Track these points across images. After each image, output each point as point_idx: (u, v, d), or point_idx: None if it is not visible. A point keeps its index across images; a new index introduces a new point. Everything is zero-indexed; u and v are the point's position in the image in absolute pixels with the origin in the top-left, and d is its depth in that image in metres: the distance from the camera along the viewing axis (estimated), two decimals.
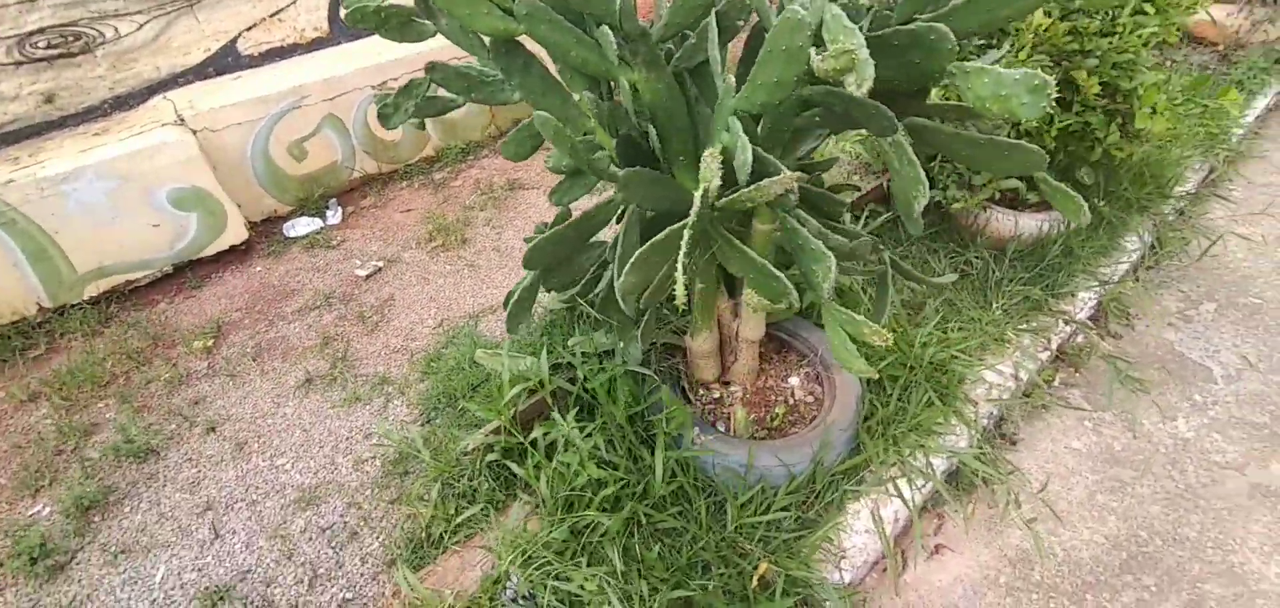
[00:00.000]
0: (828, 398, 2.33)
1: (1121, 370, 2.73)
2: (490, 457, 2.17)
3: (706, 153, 1.22)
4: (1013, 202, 3.47)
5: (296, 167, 3.84)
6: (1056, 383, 2.78)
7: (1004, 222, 3.22)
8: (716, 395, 2.44)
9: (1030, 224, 3.18)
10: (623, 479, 2.05)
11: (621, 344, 2.20)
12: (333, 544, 2.08)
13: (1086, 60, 2.77)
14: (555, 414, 2.13)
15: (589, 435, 2.13)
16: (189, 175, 3.26)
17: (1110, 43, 2.77)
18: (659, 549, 1.94)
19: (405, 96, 1.83)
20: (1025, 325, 2.87)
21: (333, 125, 3.90)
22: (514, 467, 2.13)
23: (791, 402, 2.43)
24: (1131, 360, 2.80)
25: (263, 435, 2.48)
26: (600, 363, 2.25)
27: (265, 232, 3.77)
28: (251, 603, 1.95)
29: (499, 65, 1.75)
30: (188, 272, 3.43)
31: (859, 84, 0.94)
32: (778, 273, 1.31)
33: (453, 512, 2.07)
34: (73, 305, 3.18)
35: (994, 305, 2.94)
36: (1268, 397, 2.59)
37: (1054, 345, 2.82)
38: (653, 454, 2.13)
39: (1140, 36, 2.74)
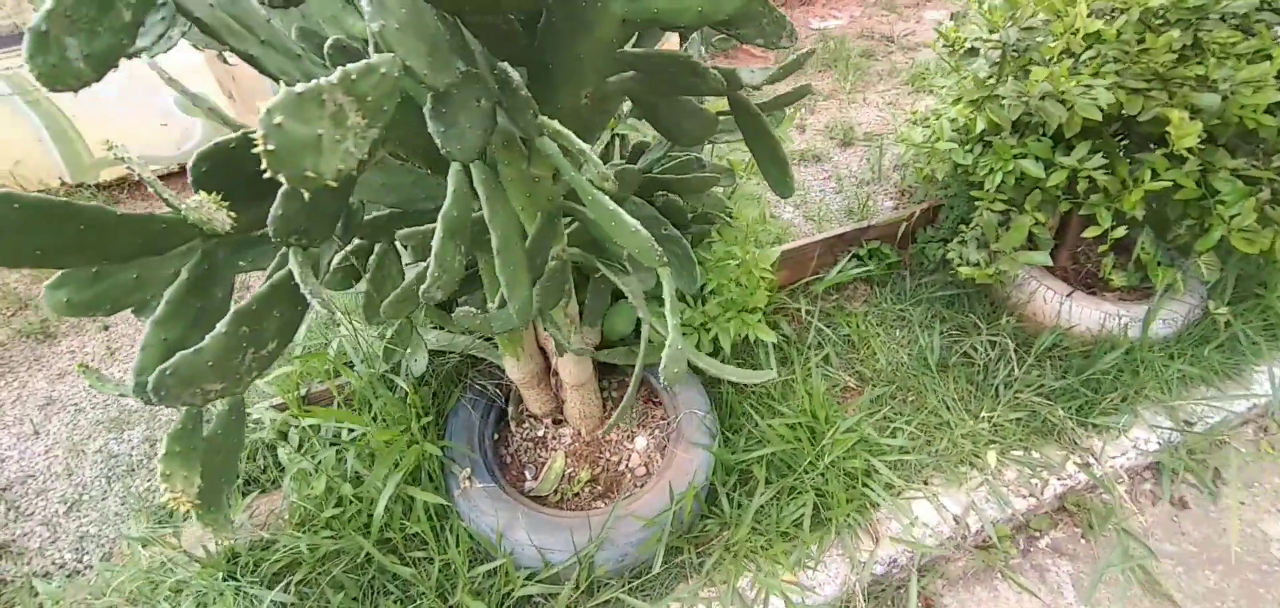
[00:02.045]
0: (656, 477, 1.81)
1: (1143, 563, 1.85)
2: (258, 434, 1.97)
3: None
4: (1088, 279, 2.50)
5: None
6: (1043, 544, 1.97)
7: (1048, 302, 2.32)
8: (541, 433, 2.02)
9: (1090, 315, 2.25)
10: (360, 506, 1.74)
11: (407, 350, 1.87)
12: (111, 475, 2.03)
13: (1201, 95, 1.82)
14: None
15: (353, 441, 1.85)
16: None
17: (1250, 75, 1.79)
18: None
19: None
20: (1020, 452, 2.05)
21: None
22: (282, 452, 1.92)
23: (624, 468, 1.94)
24: (1182, 549, 1.89)
25: None
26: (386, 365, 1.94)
27: None
28: None
29: None
30: None
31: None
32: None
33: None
34: None
35: (983, 413, 2.13)
36: None
37: (1049, 495, 1.98)
38: (417, 482, 1.80)
39: None
